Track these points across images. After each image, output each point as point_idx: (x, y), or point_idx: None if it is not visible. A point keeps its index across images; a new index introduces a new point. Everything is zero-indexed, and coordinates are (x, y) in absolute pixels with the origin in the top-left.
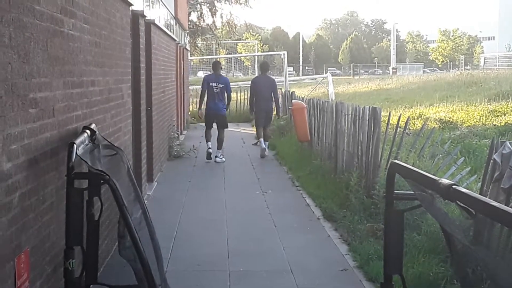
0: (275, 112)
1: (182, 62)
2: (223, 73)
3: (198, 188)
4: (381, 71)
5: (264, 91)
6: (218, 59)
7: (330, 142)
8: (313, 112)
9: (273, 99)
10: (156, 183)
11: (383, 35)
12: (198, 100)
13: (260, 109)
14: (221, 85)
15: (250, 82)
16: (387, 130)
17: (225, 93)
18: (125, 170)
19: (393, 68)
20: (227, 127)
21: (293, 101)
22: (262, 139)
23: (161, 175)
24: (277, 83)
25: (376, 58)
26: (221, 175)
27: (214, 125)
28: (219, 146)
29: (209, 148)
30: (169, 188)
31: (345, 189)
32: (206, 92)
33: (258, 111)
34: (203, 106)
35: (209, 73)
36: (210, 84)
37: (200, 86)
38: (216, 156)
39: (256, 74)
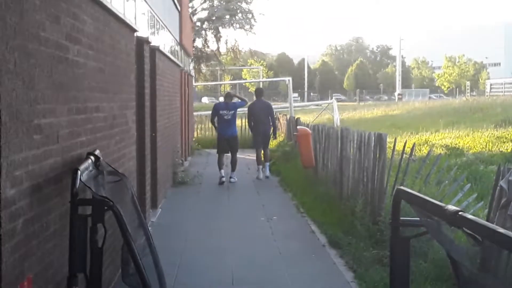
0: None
1: (186, 88)
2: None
3: (202, 214)
4: (386, 97)
5: (260, 114)
6: (230, 91)
7: (336, 168)
8: (318, 138)
9: (271, 122)
10: (160, 209)
11: (389, 61)
12: (210, 122)
13: (258, 131)
14: (231, 112)
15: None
16: (393, 156)
17: (235, 117)
18: (129, 196)
19: (398, 94)
20: (237, 151)
21: (298, 127)
22: (261, 167)
23: (166, 202)
24: (281, 109)
25: (381, 84)
26: (226, 202)
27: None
28: (233, 168)
29: (222, 176)
30: (174, 215)
31: (351, 215)
32: (217, 119)
33: (256, 134)
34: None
35: (215, 100)
36: (220, 112)
37: (205, 112)
38: (230, 177)
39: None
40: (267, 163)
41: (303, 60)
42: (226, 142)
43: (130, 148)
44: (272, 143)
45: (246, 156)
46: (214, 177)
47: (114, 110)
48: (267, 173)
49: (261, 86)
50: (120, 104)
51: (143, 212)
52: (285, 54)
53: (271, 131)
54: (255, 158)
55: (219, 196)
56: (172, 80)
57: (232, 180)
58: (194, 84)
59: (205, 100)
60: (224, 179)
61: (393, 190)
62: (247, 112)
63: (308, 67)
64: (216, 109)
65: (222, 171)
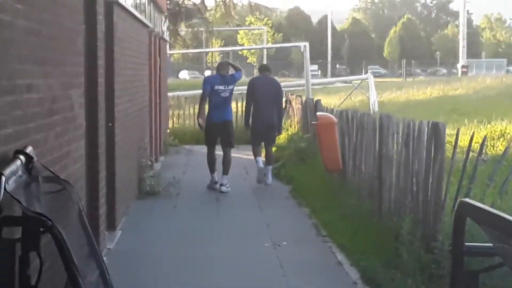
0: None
1: (158, 57)
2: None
3: (181, 238)
4: (445, 71)
5: (266, 96)
6: (224, 60)
7: (372, 173)
8: (347, 129)
9: (277, 109)
10: (120, 231)
11: (448, 18)
12: (198, 107)
13: (260, 120)
14: (230, 87)
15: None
16: (454, 155)
17: (232, 95)
18: (75, 212)
19: (462, 67)
20: (233, 146)
21: (318, 113)
22: (259, 158)
23: (128, 220)
24: (294, 88)
25: (437, 52)
26: (214, 220)
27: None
28: (226, 171)
29: (216, 182)
30: (139, 239)
31: (394, 240)
32: (209, 97)
33: (256, 123)
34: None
35: (199, 75)
36: (216, 88)
37: (184, 93)
38: (221, 185)
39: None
40: (270, 167)
41: (325, 17)
42: (220, 130)
43: (77, 144)
44: (281, 137)
45: (244, 156)
46: (196, 185)
47: (54, 89)
48: (270, 179)
49: (265, 57)
50: (63, 81)
51: (95, 235)
52: (300, 10)
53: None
54: (252, 157)
55: (204, 211)
56: (137, 47)
57: (223, 189)
58: (168, 52)
59: (184, 75)
60: (218, 186)
61: (455, 204)
62: (246, 90)
63: (333, 27)
64: (211, 83)
65: (215, 174)
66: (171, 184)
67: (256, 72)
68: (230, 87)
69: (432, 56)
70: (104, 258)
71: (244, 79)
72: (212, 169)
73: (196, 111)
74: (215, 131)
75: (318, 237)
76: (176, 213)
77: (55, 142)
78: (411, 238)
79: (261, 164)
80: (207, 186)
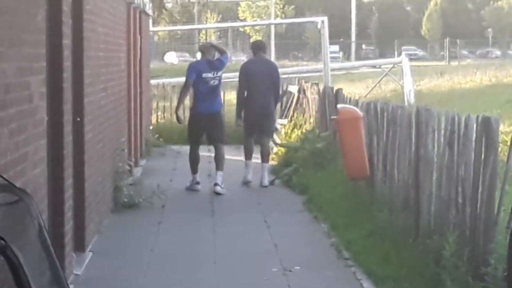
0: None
1: (138, 36)
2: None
3: (167, 263)
4: (499, 52)
5: (261, 81)
6: (208, 41)
7: (407, 180)
8: (375, 126)
9: (274, 96)
10: (91, 253)
11: None
12: (179, 97)
13: (254, 107)
14: (219, 74)
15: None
16: (510, 158)
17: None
18: (34, 230)
19: None
20: (224, 142)
21: (339, 106)
22: (250, 168)
23: (100, 240)
24: (309, 74)
25: (489, 29)
26: (209, 239)
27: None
28: (220, 166)
29: (198, 182)
30: (114, 263)
31: (434, 264)
32: (195, 86)
33: (250, 111)
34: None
35: (190, 58)
36: (204, 76)
37: (171, 80)
38: (215, 184)
39: (272, 57)
40: (267, 165)
41: None
42: (206, 123)
43: (37, 144)
44: (292, 135)
45: (238, 157)
46: (186, 195)
47: (7, 76)
48: (266, 179)
49: (273, 35)
50: (18, 66)
51: (59, 258)
52: None
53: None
54: (258, 161)
55: (196, 228)
56: (112, 23)
57: (218, 189)
58: (152, 29)
59: (171, 58)
60: (199, 186)
61: (511, 219)
62: (239, 75)
63: None
64: (197, 70)
65: (197, 175)
66: (154, 194)
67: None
68: (219, 73)
69: (483, 34)
70: (71, 287)
71: None
72: (194, 169)
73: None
74: (201, 125)
75: (339, 261)
76: (161, 231)
77: (9, 142)
78: (455, 261)
79: (249, 178)
80: (186, 187)
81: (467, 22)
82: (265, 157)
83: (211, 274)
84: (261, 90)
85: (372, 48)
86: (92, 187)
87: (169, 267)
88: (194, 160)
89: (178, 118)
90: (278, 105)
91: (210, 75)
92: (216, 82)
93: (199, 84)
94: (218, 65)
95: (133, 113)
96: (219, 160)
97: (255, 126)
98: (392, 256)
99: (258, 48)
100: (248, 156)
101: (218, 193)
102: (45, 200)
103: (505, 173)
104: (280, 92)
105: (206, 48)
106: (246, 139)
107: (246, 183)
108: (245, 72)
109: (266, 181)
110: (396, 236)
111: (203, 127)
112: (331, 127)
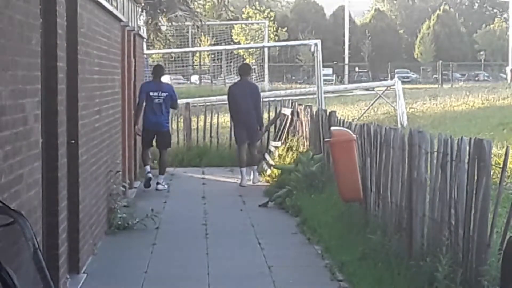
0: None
1: (133, 59)
2: (207, 77)
3: (161, 284)
4: (487, 74)
5: (244, 101)
6: (159, 64)
7: (400, 202)
8: (368, 148)
9: (256, 113)
10: (86, 275)
11: (495, 10)
12: (134, 113)
13: (240, 122)
14: (164, 94)
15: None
16: (503, 180)
17: (169, 104)
18: (29, 251)
19: None
20: (170, 146)
21: (332, 129)
22: (244, 169)
23: (95, 261)
24: (302, 96)
25: (482, 53)
26: (203, 261)
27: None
28: (162, 171)
29: (149, 172)
30: (109, 285)
31: (428, 286)
32: (144, 104)
33: (237, 124)
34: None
35: (183, 80)
36: (151, 94)
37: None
38: (157, 183)
39: (266, 80)
40: (255, 167)
41: (341, 9)
42: (153, 135)
43: (31, 167)
44: (286, 158)
45: (233, 180)
46: (180, 217)
47: (2, 98)
48: (256, 178)
49: (266, 58)
50: (13, 89)
51: (54, 280)
52: (309, 0)
53: (259, 127)
54: (244, 183)
55: (190, 250)
56: (107, 46)
57: (160, 187)
58: (146, 52)
59: (165, 80)
60: (151, 174)
61: (504, 242)
62: (227, 97)
63: (352, 21)
64: (145, 89)
65: (148, 166)
66: (148, 216)
67: (255, 77)
68: (164, 94)
69: (476, 57)
70: None
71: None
72: (145, 161)
73: (181, 124)
74: (150, 134)
75: (333, 282)
76: (155, 253)
77: (3, 164)
78: (449, 283)
79: (245, 183)
80: (144, 183)
81: (460, 45)
82: (253, 160)
83: None
84: (244, 109)
85: (365, 71)
86: (87, 209)
87: None
88: (145, 158)
89: (136, 132)
90: (272, 127)
91: (155, 94)
92: (161, 100)
93: (147, 101)
94: (165, 88)
95: (127, 135)
96: (161, 166)
97: (243, 133)
98: (385, 278)
99: (243, 71)
100: (242, 163)
101: (159, 190)
102: (39, 222)
103: (497, 195)
104: (261, 108)
105: (157, 70)
106: (239, 145)
107: (242, 186)
108: (231, 94)
109: (256, 179)
110: (390, 258)
111: (152, 136)
112: (324, 149)
